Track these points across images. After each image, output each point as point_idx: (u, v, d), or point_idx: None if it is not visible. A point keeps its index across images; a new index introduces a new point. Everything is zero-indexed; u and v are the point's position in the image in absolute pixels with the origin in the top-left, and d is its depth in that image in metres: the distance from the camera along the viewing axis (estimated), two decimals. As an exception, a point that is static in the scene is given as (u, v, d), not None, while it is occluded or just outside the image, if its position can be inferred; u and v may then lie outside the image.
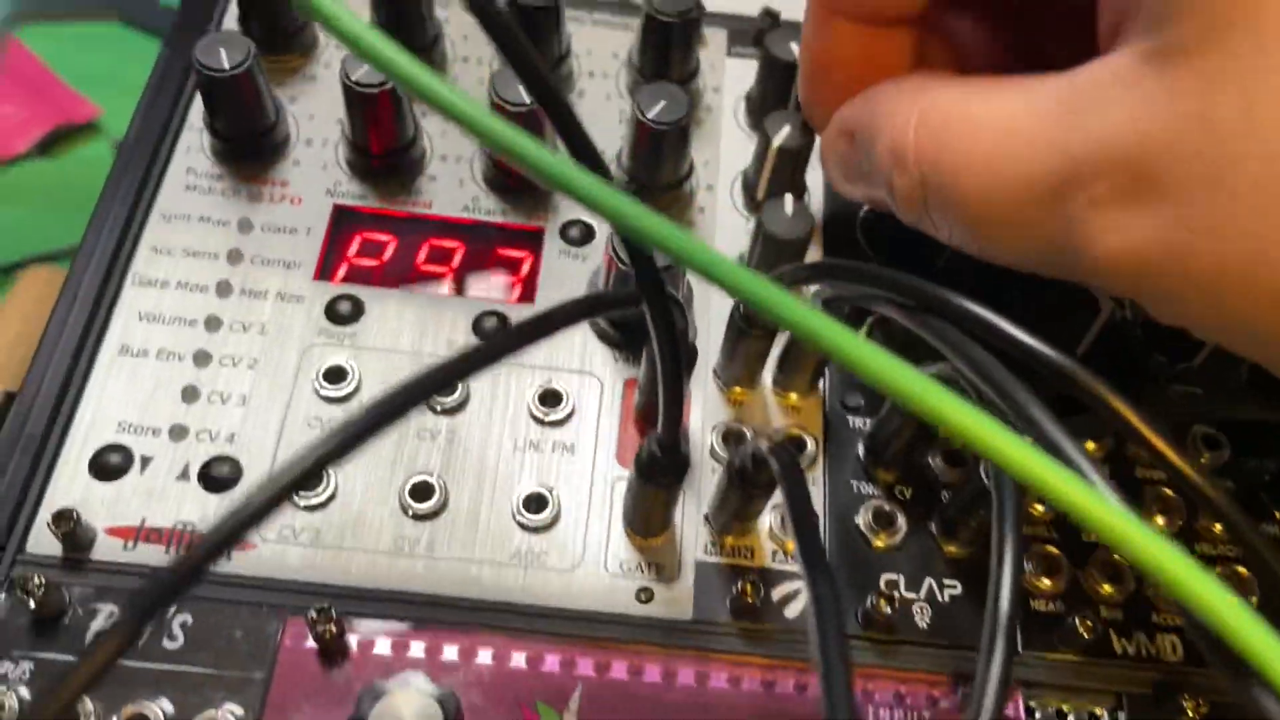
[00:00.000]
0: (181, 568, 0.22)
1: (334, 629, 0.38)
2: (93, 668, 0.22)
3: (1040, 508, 0.44)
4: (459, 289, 0.48)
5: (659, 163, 0.49)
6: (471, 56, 0.55)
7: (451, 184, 0.51)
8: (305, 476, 0.22)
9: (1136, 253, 0.27)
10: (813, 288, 0.43)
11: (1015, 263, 0.33)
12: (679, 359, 0.33)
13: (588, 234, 0.50)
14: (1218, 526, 0.44)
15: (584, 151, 0.27)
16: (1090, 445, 0.45)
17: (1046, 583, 0.42)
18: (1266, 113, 0.24)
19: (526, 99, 0.46)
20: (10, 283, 0.79)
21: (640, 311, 0.31)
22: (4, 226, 0.86)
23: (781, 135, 0.47)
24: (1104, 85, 0.28)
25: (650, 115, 0.46)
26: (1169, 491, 0.45)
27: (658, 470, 0.38)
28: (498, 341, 0.28)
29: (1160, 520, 0.45)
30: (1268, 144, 0.24)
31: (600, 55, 0.55)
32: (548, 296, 0.48)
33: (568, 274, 0.49)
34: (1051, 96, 0.29)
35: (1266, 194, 0.24)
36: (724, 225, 0.51)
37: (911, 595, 0.42)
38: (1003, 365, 0.31)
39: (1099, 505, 0.22)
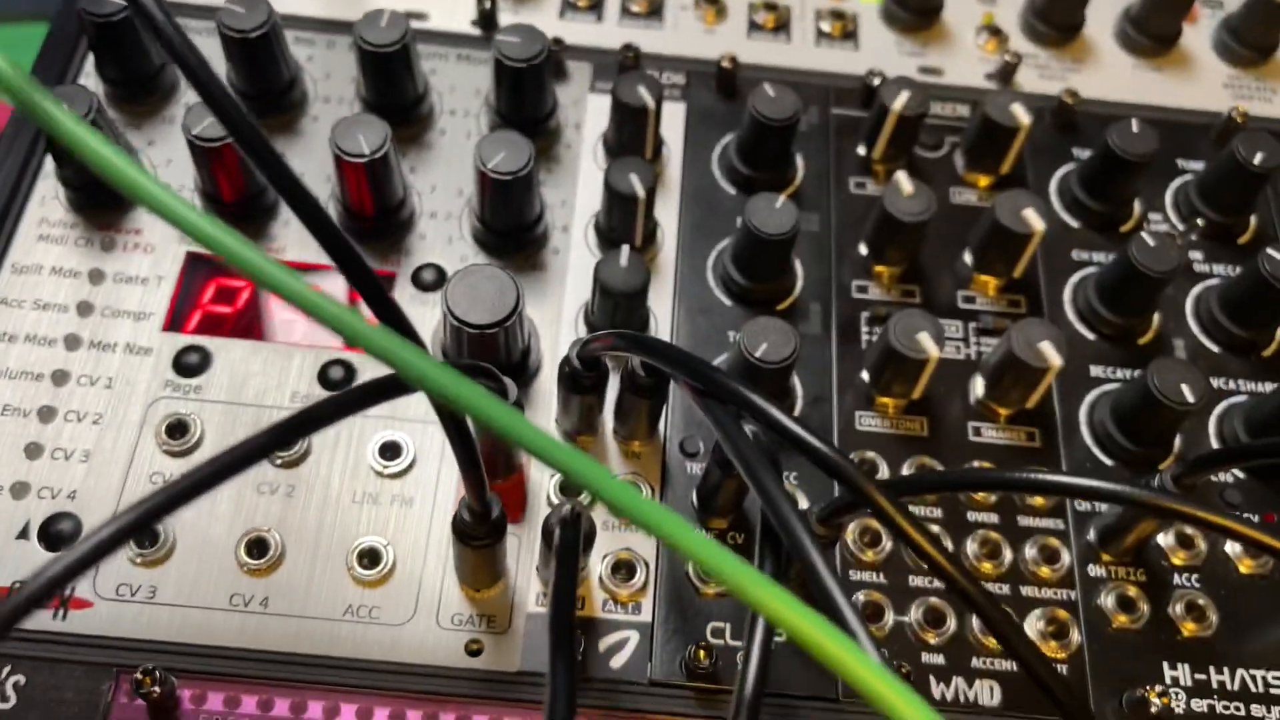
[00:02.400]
0: None
1: (158, 690, 0.39)
2: None
3: (872, 554, 0.45)
4: (311, 337, 0.49)
5: (506, 210, 0.49)
6: (333, 96, 0.55)
7: (304, 230, 0.51)
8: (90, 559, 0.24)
9: None
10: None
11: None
12: (466, 435, 0.34)
13: (440, 278, 0.50)
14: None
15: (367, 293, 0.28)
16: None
17: (871, 630, 0.43)
18: None
19: (366, 150, 0.47)
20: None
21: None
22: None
23: (628, 184, 0.47)
24: None
25: (490, 165, 0.47)
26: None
27: (469, 534, 0.39)
28: (259, 440, 0.29)
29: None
30: None
31: (464, 92, 0.56)
32: (397, 344, 0.48)
33: (419, 319, 0.49)
34: None
35: None
36: (577, 267, 0.51)
37: (737, 643, 0.43)
38: (765, 457, 0.31)
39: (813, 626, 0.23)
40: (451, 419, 0.33)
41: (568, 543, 0.34)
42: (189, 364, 0.47)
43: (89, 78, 0.54)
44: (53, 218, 0.50)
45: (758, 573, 0.24)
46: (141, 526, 0.26)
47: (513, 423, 0.26)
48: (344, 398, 0.31)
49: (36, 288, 0.48)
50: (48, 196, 0.51)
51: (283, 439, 0.30)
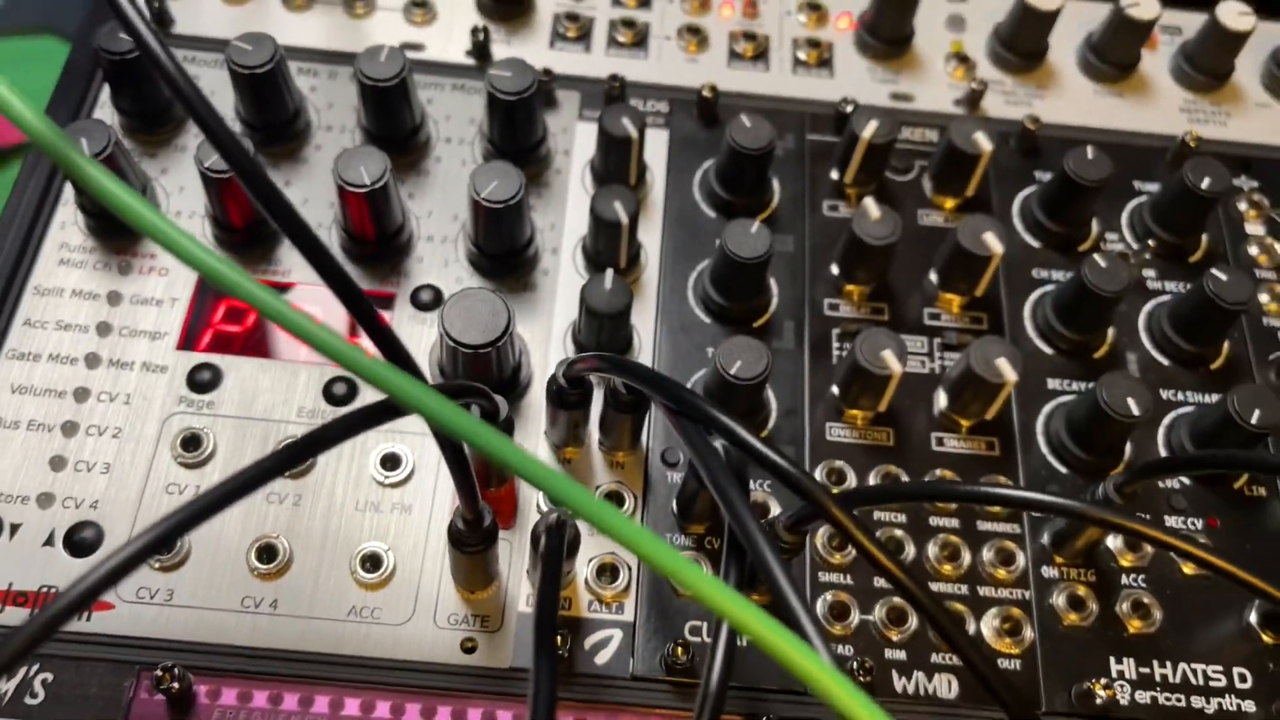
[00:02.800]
0: (33, 630, 0.27)
1: (177, 686, 0.43)
2: None
3: (839, 557, 0.48)
4: (315, 355, 0.52)
5: (498, 235, 0.52)
6: (335, 125, 0.58)
7: None
8: (130, 564, 0.27)
9: None
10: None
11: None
12: (458, 450, 0.37)
13: (437, 298, 0.54)
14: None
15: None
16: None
17: (837, 628, 0.47)
18: None
19: (367, 181, 0.50)
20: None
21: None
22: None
23: (611, 211, 0.51)
24: None
25: (483, 195, 0.50)
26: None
27: (463, 541, 0.42)
28: (270, 462, 0.32)
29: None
30: None
31: (459, 121, 0.59)
32: (396, 361, 0.52)
33: (417, 337, 0.52)
34: None
35: None
36: (566, 287, 0.54)
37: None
38: (730, 473, 0.35)
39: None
40: (446, 439, 0.36)
41: (552, 549, 0.37)
42: (202, 380, 0.51)
43: (104, 108, 0.57)
44: (72, 243, 0.54)
45: (719, 581, 0.28)
46: (173, 537, 0.29)
47: (502, 449, 0.29)
48: (349, 419, 0.34)
49: (58, 309, 0.52)
50: (67, 222, 0.54)
51: (294, 459, 0.33)
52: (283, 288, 0.53)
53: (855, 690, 0.26)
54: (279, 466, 0.32)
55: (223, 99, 0.57)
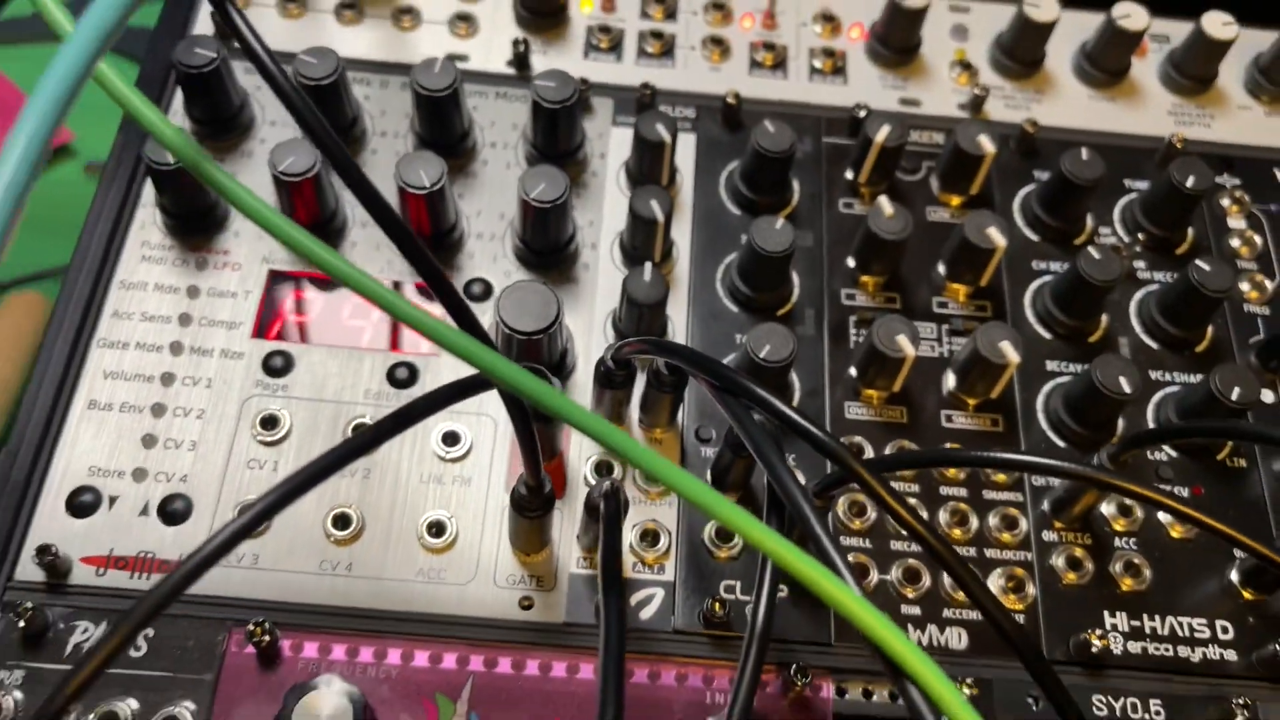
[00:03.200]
0: (166, 589, 0.32)
1: (268, 638, 0.47)
2: (95, 663, 0.32)
3: (859, 523, 0.53)
4: (376, 342, 0.57)
5: (544, 233, 0.57)
6: (389, 131, 0.63)
7: (369, 249, 0.59)
8: (258, 521, 0.32)
9: None
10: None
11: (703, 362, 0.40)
12: (528, 422, 0.42)
13: (487, 290, 0.58)
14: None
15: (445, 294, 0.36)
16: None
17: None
18: None
19: (426, 183, 0.55)
20: (-5, 304, 0.86)
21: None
22: (-15, 251, 0.94)
23: (649, 209, 0.56)
24: None
25: (532, 195, 0.55)
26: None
27: (524, 506, 0.47)
28: (372, 432, 0.37)
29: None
30: None
31: (502, 127, 0.64)
32: (452, 347, 0.57)
33: (470, 326, 0.57)
34: None
35: None
36: (605, 279, 0.59)
37: (746, 598, 0.51)
38: (771, 439, 0.40)
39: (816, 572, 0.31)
40: (519, 411, 0.41)
41: (612, 510, 0.42)
42: (275, 366, 0.55)
43: (176, 115, 0.62)
44: (152, 241, 0.58)
45: (764, 525, 0.33)
46: (306, 489, 0.34)
47: (582, 415, 0.34)
48: (438, 394, 0.39)
49: (143, 301, 0.57)
50: (147, 222, 0.59)
51: (392, 430, 0.38)
52: (346, 281, 0.58)
53: (878, 613, 0.31)
54: (383, 435, 0.37)
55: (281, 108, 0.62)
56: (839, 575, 0.35)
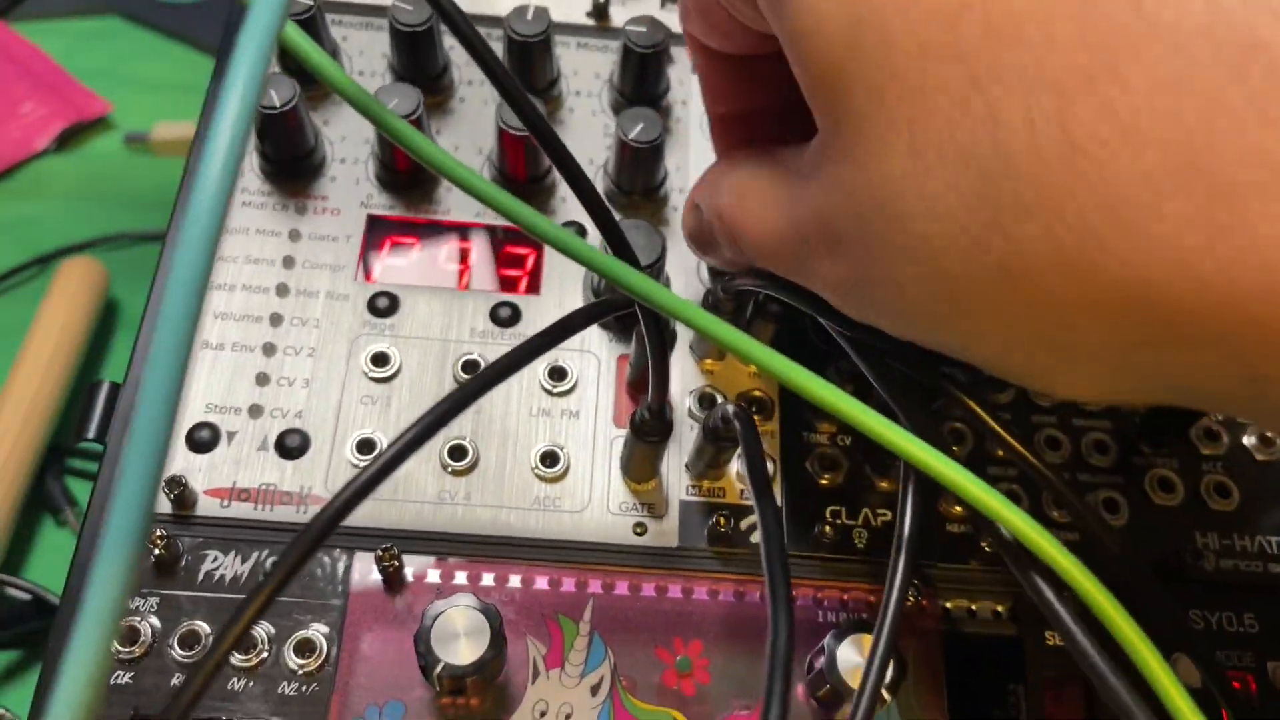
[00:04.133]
0: (329, 514, 0.33)
1: (395, 563, 0.49)
2: (271, 589, 0.33)
3: (956, 448, 0.55)
4: (477, 283, 0.58)
5: (639, 174, 0.58)
6: (476, 79, 0.64)
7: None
8: (416, 443, 0.33)
9: (840, 286, 0.35)
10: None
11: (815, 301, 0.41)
12: (664, 346, 0.43)
13: (581, 234, 0.60)
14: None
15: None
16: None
17: (957, 509, 0.53)
18: (883, 186, 0.31)
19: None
20: (47, 273, 0.88)
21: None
22: (34, 220, 0.95)
23: (740, 149, 0.57)
24: (808, 166, 0.36)
25: (631, 136, 0.56)
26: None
27: (647, 430, 0.48)
28: (533, 344, 0.38)
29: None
30: (887, 208, 0.30)
31: (585, 76, 0.65)
32: (551, 287, 0.58)
33: (567, 267, 0.59)
34: (793, 169, 0.38)
35: (892, 244, 0.31)
36: (694, 222, 0.61)
37: (851, 522, 0.53)
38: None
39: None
40: (658, 335, 0.43)
41: (747, 426, 0.44)
42: (381, 307, 0.56)
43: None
44: (251, 187, 0.59)
45: (910, 434, 0.34)
46: (459, 411, 0.36)
47: (731, 333, 0.36)
48: (590, 310, 0.40)
49: (246, 245, 0.58)
50: (245, 169, 0.60)
51: (541, 348, 0.39)
52: (443, 225, 0.59)
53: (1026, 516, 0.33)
54: (539, 348, 0.38)
55: (370, 57, 0.64)
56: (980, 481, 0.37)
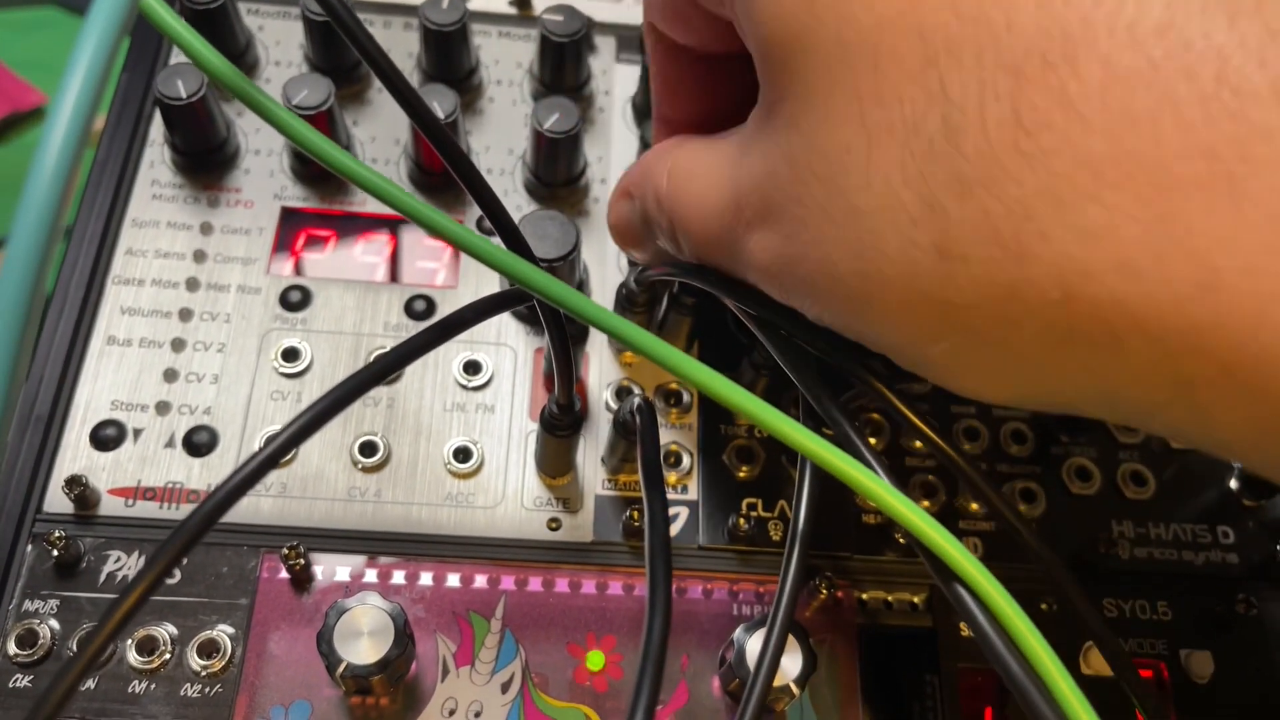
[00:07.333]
0: (204, 511, 0.32)
1: (302, 562, 0.48)
2: (138, 594, 0.32)
3: (875, 441, 0.55)
4: (392, 276, 0.57)
5: (556, 165, 0.58)
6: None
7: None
8: (283, 451, 0.32)
9: (772, 263, 0.34)
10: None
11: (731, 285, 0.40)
12: (566, 341, 0.43)
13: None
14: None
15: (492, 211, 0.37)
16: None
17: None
18: (826, 156, 0.30)
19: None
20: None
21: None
22: (-36, 214, 0.93)
23: (658, 138, 0.56)
24: (750, 135, 0.35)
25: (546, 126, 0.55)
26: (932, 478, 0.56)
27: (555, 425, 0.48)
28: (421, 338, 0.37)
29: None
30: (829, 180, 0.30)
31: (506, 65, 0.64)
32: (468, 280, 0.57)
33: (484, 260, 0.58)
34: (734, 144, 0.37)
35: (829, 217, 0.30)
36: (615, 213, 0.60)
37: (768, 514, 0.53)
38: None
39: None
40: (558, 328, 0.42)
41: (648, 419, 0.43)
42: (293, 300, 0.56)
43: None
44: (162, 179, 0.58)
45: (807, 429, 0.34)
46: (339, 408, 0.35)
47: (632, 330, 0.35)
48: (481, 304, 0.40)
49: (156, 239, 0.56)
50: (156, 161, 0.59)
51: (431, 343, 0.38)
52: (359, 217, 0.58)
53: (902, 496, 0.32)
54: (419, 349, 0.38)
55: (287, 48, 0.62)
56: (872, 470, 0.36)
